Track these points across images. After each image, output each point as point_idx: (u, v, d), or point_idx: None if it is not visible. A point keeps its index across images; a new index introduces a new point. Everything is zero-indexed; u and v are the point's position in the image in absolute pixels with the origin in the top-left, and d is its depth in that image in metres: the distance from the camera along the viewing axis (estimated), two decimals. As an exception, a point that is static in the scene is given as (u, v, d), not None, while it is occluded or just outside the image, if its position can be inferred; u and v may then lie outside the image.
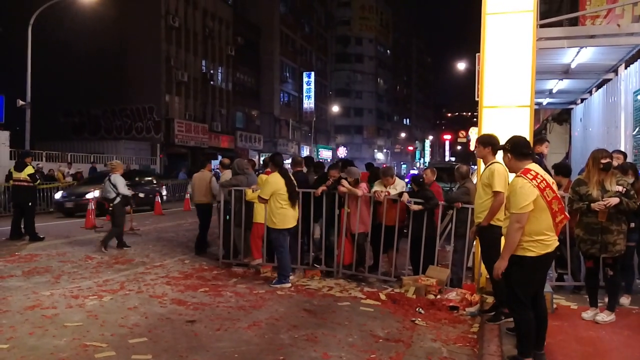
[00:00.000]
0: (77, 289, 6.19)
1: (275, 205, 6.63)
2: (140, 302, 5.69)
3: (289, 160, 8.38)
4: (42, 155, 21.26)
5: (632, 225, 5.30)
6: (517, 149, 3.85)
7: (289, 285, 6.59)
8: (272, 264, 7.46)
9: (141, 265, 7.86)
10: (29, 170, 10.24)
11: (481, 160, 5.39)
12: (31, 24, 18.68)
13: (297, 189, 6.79)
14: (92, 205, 12.54)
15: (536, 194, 3.60)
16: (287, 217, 6.69)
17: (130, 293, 6.07)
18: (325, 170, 8.21)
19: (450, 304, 5.63)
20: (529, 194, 3.59)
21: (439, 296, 5.94)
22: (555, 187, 3.76)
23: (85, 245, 9.53)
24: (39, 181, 10.00)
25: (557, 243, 3.77)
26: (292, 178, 6.88)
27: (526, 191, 3.59)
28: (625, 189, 4.88)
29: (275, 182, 6.64)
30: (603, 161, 4.97)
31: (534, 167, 3.76)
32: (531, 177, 3.64)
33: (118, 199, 9.29)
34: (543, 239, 3.66)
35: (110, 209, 9.43)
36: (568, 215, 3.85)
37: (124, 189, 9.39)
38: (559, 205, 3.70)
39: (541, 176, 3.67)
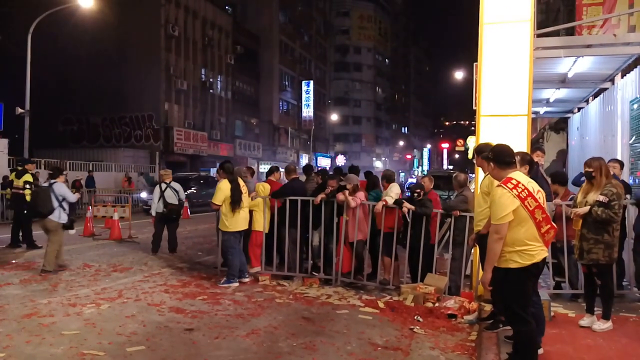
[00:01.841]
0: (74, 297, 6.18)
1: (227, 209, 7.03)
2: (138, 310, 5.68)
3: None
4: (41, 163, 21.25)
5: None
6: (500, 158, 3.79)
7: (237, 284, 6.96)
8: (271, 272, 7.46)
9: (139, 273, 7.85)
10: (27, 177, 10.22)
11: (480, 168, 5.43)
12: (31, 32, 18.77)
13: (242, 197, 7.10)
14: (89, 213, 12.52)
15: (517, 204, 3.53)
16: (239, 220, 7.11)
17: (128, 301, 6.06)
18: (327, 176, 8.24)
19: (449, 312, 5.63)
20: (508, 204, 3.52)
21: (437, 304, 5.94)
22: (540, 195, 3.67)
23: (83, 253, 9.52)
24: (28, 189, 9.93)
25: (545, 253, 3.70)
26: (240, 186, 7.17)
27: (505, 201, 3.53)
28: (608, 199, 4.89)
29: (225, 188, 7.03)
30: (585, 169, 5.08)
31: (516, 175, 3.68)
32: (511, 186, 3.56)
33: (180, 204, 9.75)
34: (526, 249, 3.57)
35: (174, 216, 9.73)
36: (554, 225, 3.77)
37: (182, 194, 9.85)
38: (543, 215, 3.61)
39: (522, 185, 3.59)
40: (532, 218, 3.57)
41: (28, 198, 9.77)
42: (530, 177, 6.20)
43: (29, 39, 18.69)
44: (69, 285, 6.84)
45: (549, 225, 3.65)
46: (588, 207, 4.97)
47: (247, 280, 7.18)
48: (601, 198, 4.91)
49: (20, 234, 10.15)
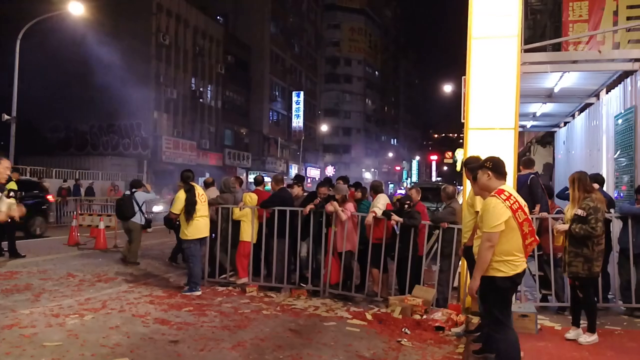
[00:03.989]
0: (57, 308, 6.07)
1: (185, 218, 7.15)
2: (122, 321, 5.59)
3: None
4: (26, 171, 21.00)
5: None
6: (499, 169, 3.91)
7: (199, 292, 6.98)
8: (258, 283, 7.41)
9: (124, 283, 7.75)
10: (11, 185, 10.06)
11: (468, 181, 5.47)
12: (19, 38, 18.64)
13: (196, 206, 7.15)
14: (75, 222, 12.37)
15: (508, 214, 3.64)
16: (197, 228, 7.18)
17: (112, 312, 5.96)
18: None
19: (436, 324, 5.63)
20: (502, 214, 3.63)
21: (424, 316, 5.94)
22: (527, 209, 3.80)
23: (67, 263, 9.38)
24: (13, 197, 9.81)
25: (526, 265, 3.81)
26: (196, 195, 7.23)
27: (499, 211, 3.63)
28: (585, 213, 4.95)
29: (181, 197, 7.17)
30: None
31: (507, 188, 3.82)
32: (504, 197, 3.68)
33: None
34: (512, 260, 3.68)
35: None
36: (538, 239, 3.90)
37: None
38: (529, 228, 3.73)
39: (514, 197, 3.73)
40: (520, 230, 3.68)
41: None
42: (529, 187, 6.35)
43: (18, 45, 18.55)
44: (52, 295, 6.72)
45: (532, 238, 3.77)
46: (567, 225, 5.08)
47: (199, 293, 7.06)
48: (579, 212, 4.99)
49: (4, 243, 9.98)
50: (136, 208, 9.59)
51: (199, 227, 7.22)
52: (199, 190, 7.42)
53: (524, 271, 3.80)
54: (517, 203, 3.70)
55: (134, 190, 9.89)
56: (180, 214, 7.21)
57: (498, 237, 3.62)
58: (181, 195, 7.24)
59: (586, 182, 5.17)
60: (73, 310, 5.95)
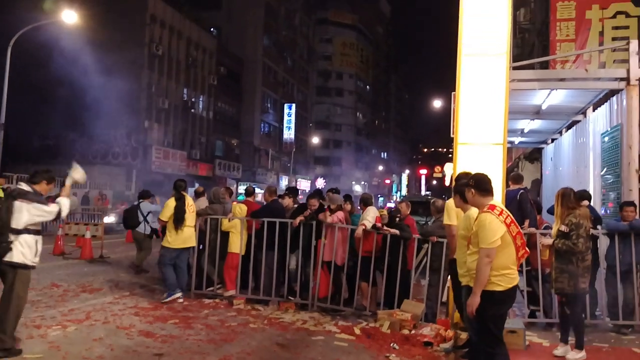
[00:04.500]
0: (40, 319, 5.96)
1: (171, 226, 7.19)
2: (106, 333, 5.50)
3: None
4: (13, 178, 20.76)
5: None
6: (481, 185, 3.95)
7: (179, 294, 7.09)
8: (246, 295, 7.35)
9: (109, 294, 7.65)
10: (-2, 193, 9.96)
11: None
12: (10, 45, 18.54)
13: (185, 215, 7.19)
14: (60, 231, 12.21)
15: (504, 229, 3.70)
16: (180, 238, 7.20)
17: (96, 323, 5.87)
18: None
19: (425, 340, 5.60)
20: (498, 229, 3.68)
21: (413, 331, 5.91)
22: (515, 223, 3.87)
23: (52, 272, 9.23)
24: None
25: (518, 278, 3.86)
26: (186, 205, 7.27)
27: (495, 226, 3.68)
28: (568, 229, 4.99)
29: (170, 206, 7.23)
30: None
31: (498, 203, 3.90)
32: (498, 212, 3.74)
33: None
34: (508, 273, 3.74)
35: None
36: (528, 250, 3.98)
37: None
38: (521, 240, 3.83)
39: (506, 212, 3.80)
40: (513, 243, 3.75)
41: None
42: (518, 202, 6.41)
43: (9, 52, 18.44)
44: (34, 306, 6.59)
45: (523, 250, 3.86)
46: (552, 240, 5.15)
47: (178, 296, 7.12)
48: (563, 228, 5.05)
49: None
50: (141, 218, 9.93)
51: (183, 237, 7.24)
52: (189, 200, 7.42)
53: (518, 284, 3.85)
54: (509, 217, 3.78)
55: (140, 200, 10.24)
56: (169, 221, 7.22)
57: (495, 252, 3.66)
58: (170, 203, 7.28)
59: (570, 198, 5.21)
60: (56, 322, 5.85)
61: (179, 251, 7.32)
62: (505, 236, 3.70)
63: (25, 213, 4.56)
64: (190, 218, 7.31)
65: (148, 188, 12.01)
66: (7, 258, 4.51)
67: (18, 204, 4.56)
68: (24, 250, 4.57)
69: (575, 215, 5.07)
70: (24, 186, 4.78)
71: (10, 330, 4.59)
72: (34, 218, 4.63)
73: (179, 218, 7.17)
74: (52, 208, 4.74)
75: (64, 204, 4.84)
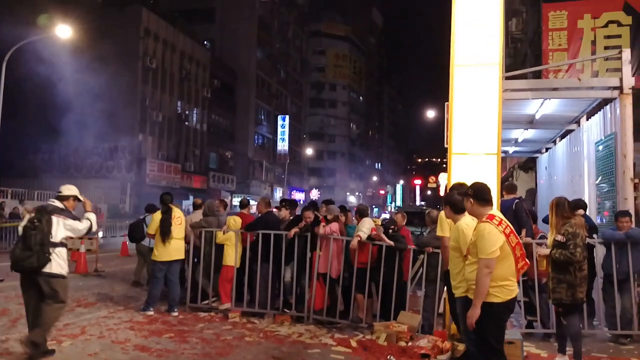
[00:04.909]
0: (34, 334, 5.88)
1: (158, 239, 7.27)
2: (101, 348, 5.43)
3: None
4: (7, 193, 20.65)
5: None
6: (480, 195, 3.91)
7: (151, 312, 7.11)
8: (241, 308, 7.29)
9: (104, 308, 7.56)
10: (-9, 207, 9.92)
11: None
12: (6, 59, 18.50)
13: (170, 229, 7.21)
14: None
15: (503, 239, 3.66)
16: (167, 251, 7.23)
17: (91, 338, 5.79)
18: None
19: (422, 352, 5.55)
20: (497, 239, 3.64)
21: (410, 343, 5.86)
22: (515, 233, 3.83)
23: (45, 288, 9.13)
24: None
25: (517, 290, 3.82)
26: (173, 217, 7.30)
27: (494, 236, 3.64)
28: (565, 239, 4.97)
29: (157, 219, 7.31)
30: None
31: (497, 213, 3.85)
32: (497, 222, 3.70)
33: None
34: (507, 284, 3.69)
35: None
36: (528, 262, 3.92)
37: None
38: (520, 251, 3.77)
39: (505, 222, 3.76)
40: (513, 254, 3.70)
41: None
42: (514, 212, 6.40)
43: (4, 66, 18.40)
44: (28, 322, 6.51)
45: (523, 262, 3.80)
46: (548, 250, 5.12)
47: (150, 313, 7.14)
48: (559, 238, 5.02)
49: None
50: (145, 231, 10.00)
51: (169, 250, 7.25)
52: (176, 212, 7.42)
53: (517, 296, 3.80)
54: (508, 227, 3.74)
55: (146, 214, 10.16)
56: (156, 234, 7.26)
57: (495, 262, 3.61)
58: (157, 216, 7.38)
59: (564, 207, 5.18)
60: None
61: (168, 264, 7.31)
62: (504, 246, 3.66)
63: (61, 228, 4.97)
64: (177, 230, 7.32)
65: (143, 201, 11.96)
66: (46, 269, 4.83)
67: (55, 219, 4.93)
68: (61, 262, 4.96)
69: (572, 224, 5.03)
70: (57, 203, 5.13)
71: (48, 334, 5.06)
72: (68, 233, 5.03)
73: (164, 231, 7.20)
74: (84, 225, 5.12)
75: (93, 219, 5.23)
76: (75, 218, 5.08)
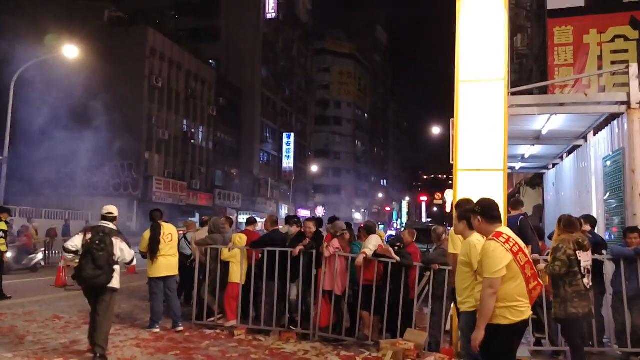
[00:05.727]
0: (41, 351, 5.87)
1: (148, 256, 7.33)
2: (106, 366, 5.40)
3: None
4: (16, 211, 20.74)
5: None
6: (488, 212, 3.73)
7: (157, 329, 7.11)
8: (247, 326, 7.24)
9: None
10: (1, 226, 9.95)
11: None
12: (14, 80, 18.76)
13: (158, 245, 7.27)
14: (63, 263, 12.12)
15: (510, 258, 3.46)
16: (158, 267, 7.28)
17: (96, 356, 5.76)
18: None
19: (430, 369, 5.49)
20: (502, 258, 3.44)
21: (417, 361, 5.80)
22: (527, 251, 3.64)
23: (53, 304, 9.12)
24: (2, 238, 9.77)
25: (530, 311, 3.62)
26: (161, 234, 7.30)
27: (499, 255, 3.45)
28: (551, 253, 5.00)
29: (146, 237, 7.36)
30: None
31: (505, 230, 3.66)
32: (503, 240, 3.51)
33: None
34: (516, 305, 3.48)
35: (189, 264, 9.26)
36: (541, 282, 3.69)
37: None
38: (531, 271, 3.55)
39: (513, 240, 3.55)
40: (522, 273, 3.49)
41: (3, 248, 9.80)
42: (519, 228, 6.33)
43: (12, 86, 18.64)
44: (36, 338, 6.50)
45: (536, 282, 3.58)
46: (544, 263, 5.13)
47: (156, 330, 7.15)
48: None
49: None
50: None
51: (159, 266, 7.28)
52: (165, 229, 7.44)
53: (529, 318, 3.61)
54: (517, 245, 3.53)
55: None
56: (147, 252, 7.35)
57: (500, 282, 3.42)
58: (146, 234, 7.41)
59: (567, 223, 5.21)
60: (57, 354, 5.75)
61: (162, 280, 7.33)
62: (511, 265, 3.45)
63: (118, 248, 5.58)
64: (167, 247, 7.36)
65: (149, 218, 11.90)
66: (110, 285, 5.53)
67: (115, 241, 5.57)
68: (117, 277, 5.62)
69: (562, 239, 5.04)
70: (111, 225, 5.76)
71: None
72: (119, 253, 5.59)
73: (152, 248, 7.25)
74: (132, 254, 5.79)
75: (133, 254, 5.89)
76: (126, 240, 5.71)
